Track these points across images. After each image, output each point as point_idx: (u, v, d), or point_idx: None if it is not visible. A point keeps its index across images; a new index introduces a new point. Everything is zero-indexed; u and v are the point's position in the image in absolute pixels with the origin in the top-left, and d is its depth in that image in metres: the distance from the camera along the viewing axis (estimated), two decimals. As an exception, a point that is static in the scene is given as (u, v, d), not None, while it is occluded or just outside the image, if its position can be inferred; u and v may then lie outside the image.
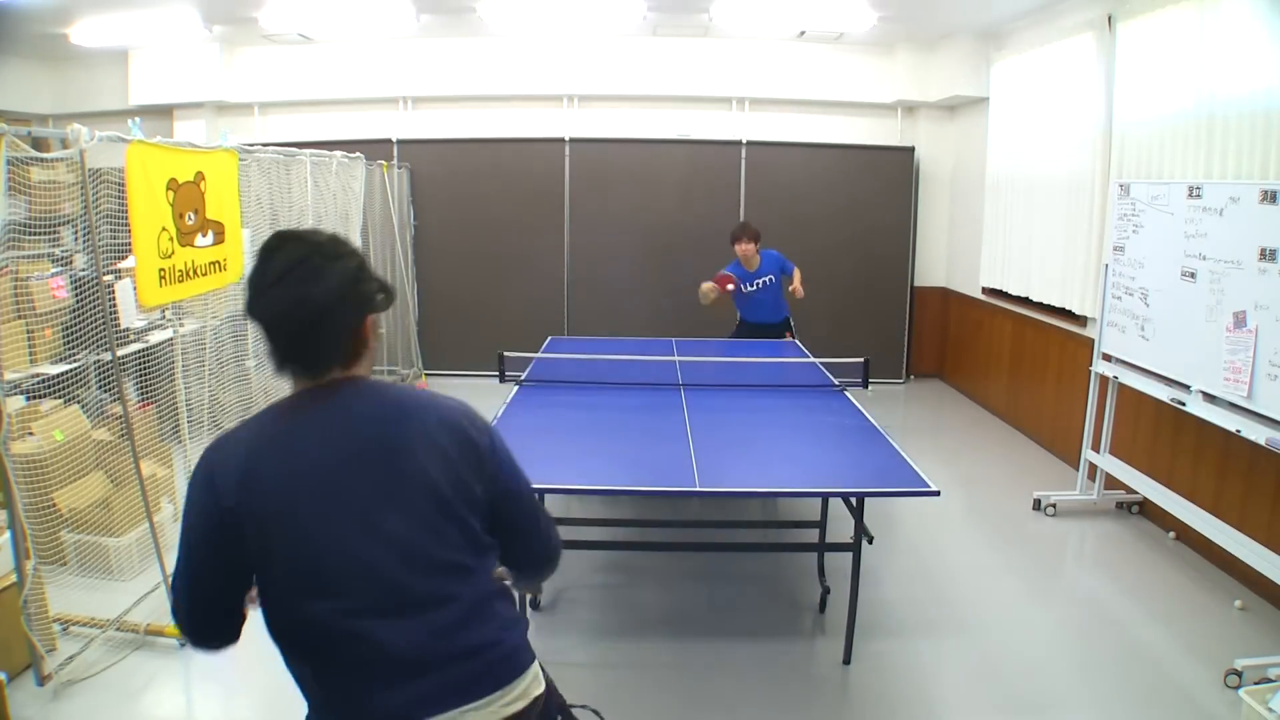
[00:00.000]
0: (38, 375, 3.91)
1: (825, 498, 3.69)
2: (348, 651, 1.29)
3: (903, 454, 3.12)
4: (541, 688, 1.42)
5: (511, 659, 1.38)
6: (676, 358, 4.70)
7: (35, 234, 3.62)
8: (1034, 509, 4.57)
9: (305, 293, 1.32)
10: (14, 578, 2.81)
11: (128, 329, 4.32)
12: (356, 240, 5.79)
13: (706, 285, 5.26)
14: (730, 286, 5.28)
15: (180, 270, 3.58)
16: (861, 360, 4.24)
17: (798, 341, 5.38)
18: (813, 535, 3.79)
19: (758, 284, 5.45)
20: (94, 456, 3.70)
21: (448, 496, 1.34)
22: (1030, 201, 5.81)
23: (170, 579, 1.22)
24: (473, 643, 1.33)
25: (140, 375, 4.46)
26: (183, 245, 3.59)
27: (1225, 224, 3.42)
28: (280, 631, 1.33)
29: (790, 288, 5.42)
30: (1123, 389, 4.32)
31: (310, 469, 1.31)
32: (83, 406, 3.86)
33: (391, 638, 1.28)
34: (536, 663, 1.44)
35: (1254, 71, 3.65)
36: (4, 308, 3.66)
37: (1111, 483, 4.54)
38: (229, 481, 1.29)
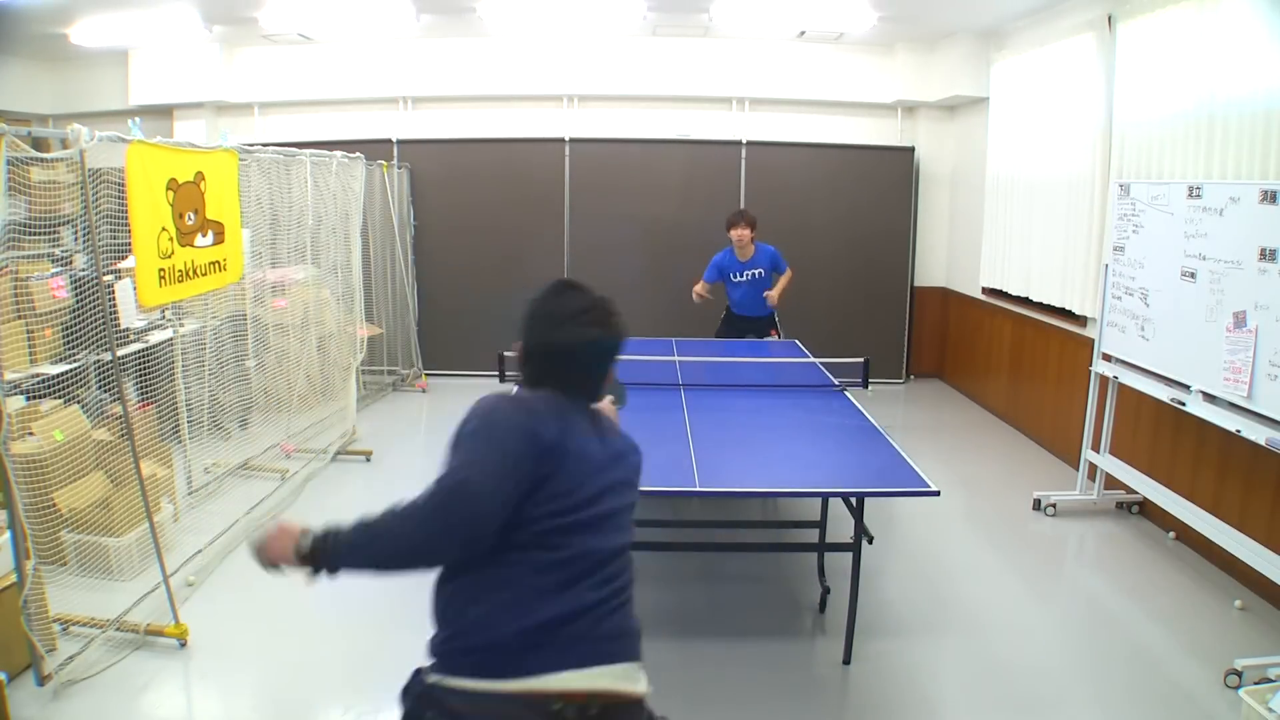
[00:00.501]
0: (38, 375, 3.91)
1: (825, 498, 3.69)
2: (572, 565, 1.52)
3: (903, 454, 3.12)
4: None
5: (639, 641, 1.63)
6: (676, 358, 4.70)
7: (35, 234, 3.63)
8: (1034, 509, 4.57)
9: (603, 332, 1.67)
10: (14, 578, 2.80)
11: (128, 329, 4.33)
12: (356, 241, 5.79)
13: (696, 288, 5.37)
14: (699, 288, 5.36)
15: (180, 270, 3.59)
16: (861, 360, 4.24)
17: (798, 342, 5.38)
18: (813, 535, 3.79)
19: (748, 275, 5.43)
20: (94, 456, 3.69)
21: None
22: (1030, 201, 5.81)
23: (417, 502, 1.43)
24: (632, 621, 1.61)
25: (140, 375, 4.46)
26: (183, 245, 3.59)
27: (1225, 224, 3.42)
28: (523, 543, 1.50)
29: (766, 291, 5.41)
30: (1123, 389, 4.32)
31: (594, 452, 1.61)
32: (83, 406, 3.85)
33: (605, 565, 1.57)
34: None
35: (1254, 71, 3.65)
36: (4, 308, 3.66)
37: (1111, 483, 4.54)
38: (549, 427, 1.54)
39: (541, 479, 1.51)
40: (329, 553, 1.43)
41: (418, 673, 1.53)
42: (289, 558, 1.45)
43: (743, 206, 7.15)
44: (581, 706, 1.42)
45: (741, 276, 5.43)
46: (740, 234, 5.35)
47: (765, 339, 5.53)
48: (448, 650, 1.49)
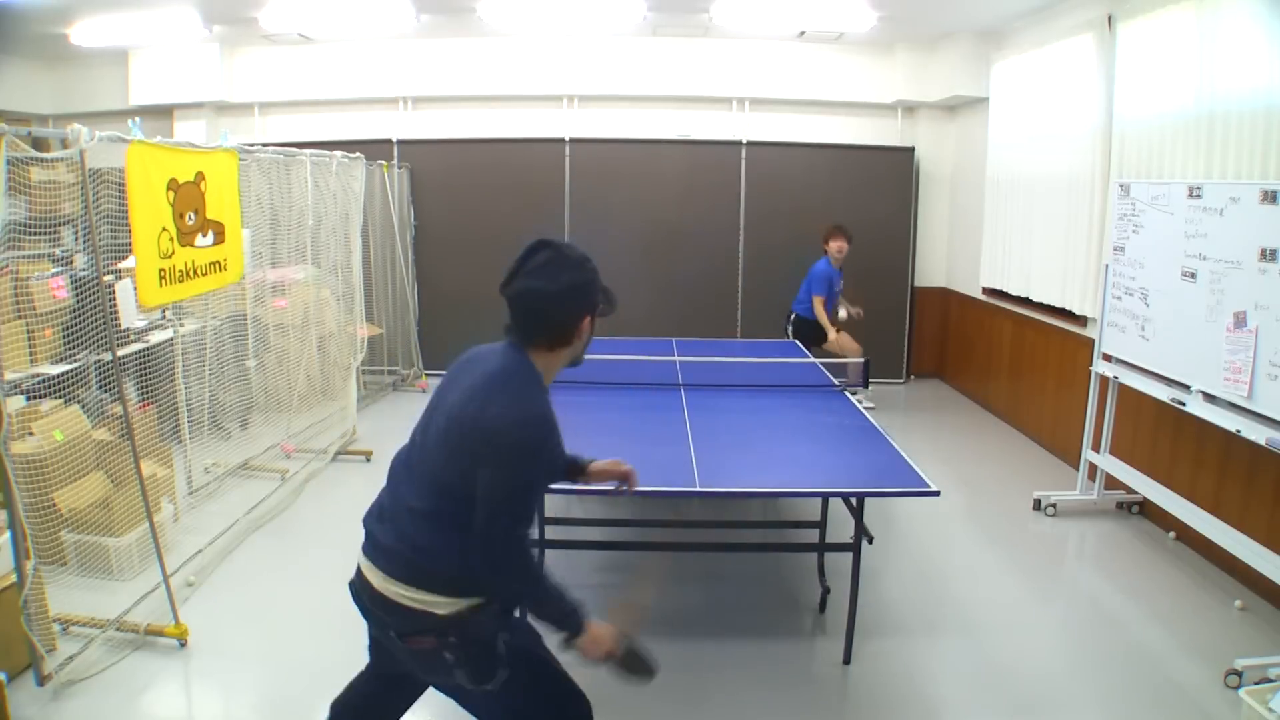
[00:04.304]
0: (38, 375, 3.91)
1: (825, 498, 3.69)
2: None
3: (903, 454, 3.12)
4: (441, 612, 1.78)
5: (413, 566, 1.80)
6: (676, 358, 4.70)
7: (35, 234, 3.63)
8: (1034, 509, 4.57)
9: (534, 290, 1.79)
10: (14, 578, 2.80)
11: (128, 329, 4.32)
12: (356, 241, 5.79)
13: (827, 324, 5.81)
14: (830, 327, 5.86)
15: (180, 270, 3.59)
16: (861, 360, 4.24)
17: (798, 342, 5.39)
18: (813, 535, 3.79)
19: (841, 284, 5.88)
20: (94, 456, 3.69)
21: (446, 456, 1.79)
22: (1030, 201, 5.81)
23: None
24: (391, 538, 1.84)
25: (140, 375, 4.46)
26: (183, 245, 3.59)
27: (1225, 224, 3.42)
28: None
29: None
30: (1123, 389, 4.32)
31: (442, 385, 1.92)
32: (83, 406, 3.86)
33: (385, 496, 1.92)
34: (456, 599, 1.79)
35: (1254, 71, 3.65)
36: (4, 308, 3.66)
37: (1111, 483, 4.54)
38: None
39: None
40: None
41: None
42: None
43: (743, 209, 7.23)
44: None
45: (839, 286, 5.90)
46: (839, 245, 5.80)
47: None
48: None
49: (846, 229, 5.86)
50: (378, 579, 1.83)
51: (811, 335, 5.77)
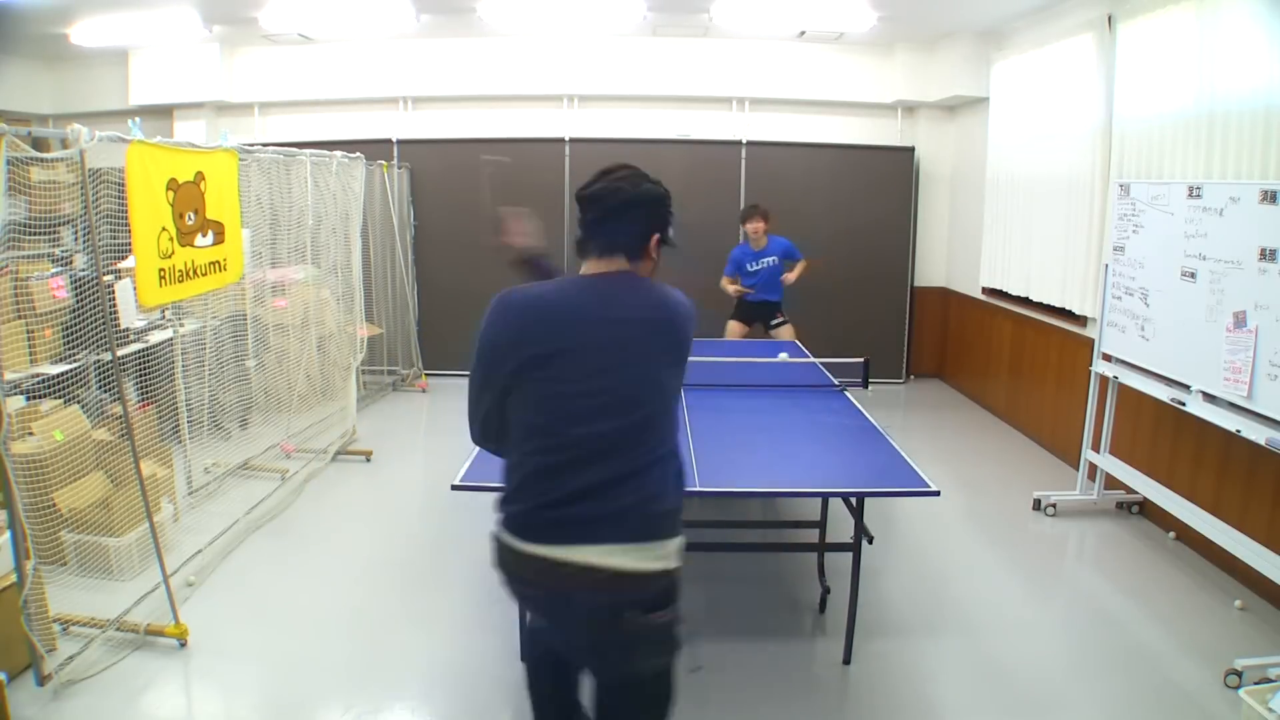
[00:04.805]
0: (38, 375, 3.91)
1: (825, 498, 3.69)
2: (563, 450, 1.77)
3: (903, 454, 3.12)
4: (675, 564, 1.78)
5: (649, 517, 1.77)
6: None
7: (35, 234, 3.63)
8: (1034, 509, 4.57)
9: (620, 188, 1.93)
10: (14, 578, 2.81)
11: (128, 329, 4.33)
12: (356, 241, 5.79)
13: (731, 289, 5.80)
14: (735, 289, 5.81)
15: (180, 270, 3.59)
16: (861, 360, 4.24)
17: (798, 342, 5.40)
18: (813, 535, 3.79)
19: (763, 263, 5.79)
20: (94, 456, 3.69)
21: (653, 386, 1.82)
22: (1030, 201, 5.81)
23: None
24: (628, 499, 1.76)
25: (140, 375, 4.47)
26: (183, 245, 3.59)
27: (1225, 224, 3.42)
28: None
29: (784, 275, 5.78)
30: (1123, 389, 4.32)
31: (585, 320, 1.84)
32: (83, 406, 3.86)
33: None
34: (677, 539, 1.80)
35: (1254, 71, 3.65)
36: (4, 308, 3.66)
37: (1111, 483, 4.54)
38: (512, 313, 1.92)
39: None
40: None
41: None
42: None
43: (742, 207, 7.19)
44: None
45: (757, 265, 5.78)
46: (754, 226, 5.76)
47: (774, 322, 5.86)
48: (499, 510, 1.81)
49: (760, 208, 5.82)
50: (615, 556, 1.67)
51: (755, 315, 5.88)
